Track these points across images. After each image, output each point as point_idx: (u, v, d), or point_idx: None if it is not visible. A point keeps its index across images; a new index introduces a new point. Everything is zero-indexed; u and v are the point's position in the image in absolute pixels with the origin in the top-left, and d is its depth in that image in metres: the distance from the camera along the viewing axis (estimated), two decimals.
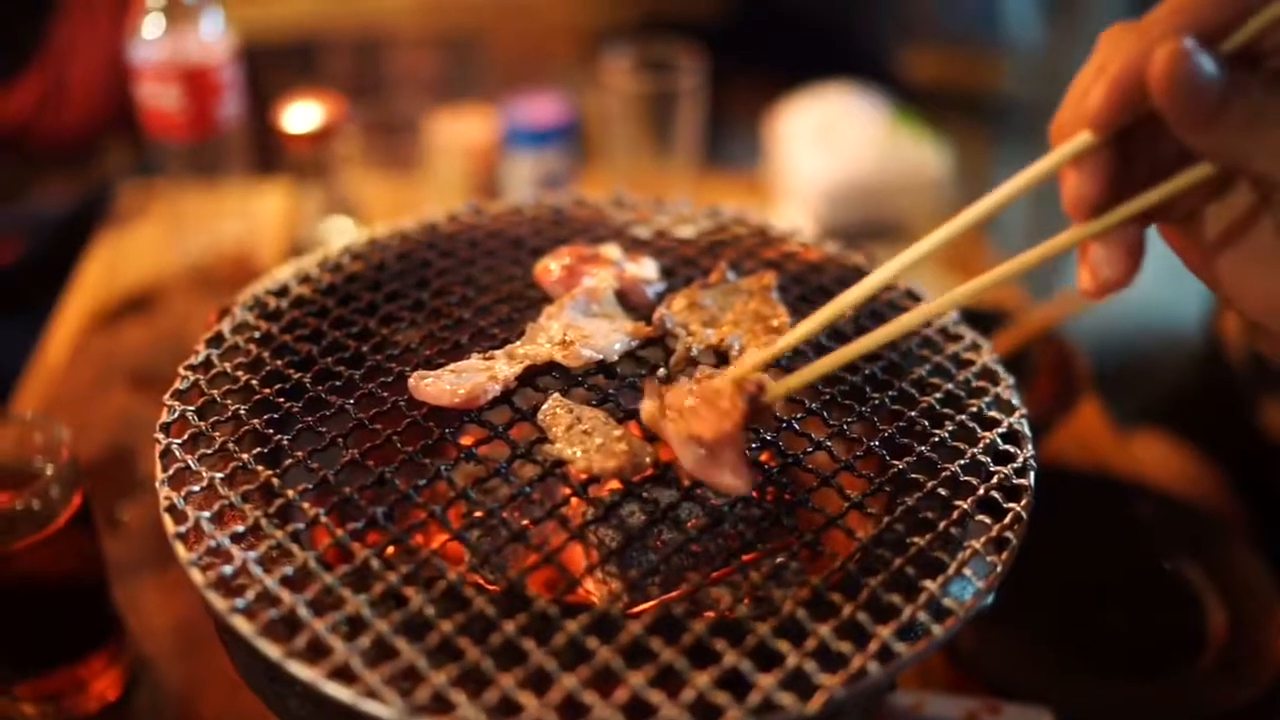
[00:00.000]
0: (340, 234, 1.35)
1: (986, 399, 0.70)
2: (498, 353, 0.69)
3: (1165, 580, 1.01)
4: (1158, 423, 1.37)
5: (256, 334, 0.74)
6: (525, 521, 0.61)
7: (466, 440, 0.66)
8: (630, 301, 0.75)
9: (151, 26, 1.26)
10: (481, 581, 0.63)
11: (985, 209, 0.56)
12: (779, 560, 0.59)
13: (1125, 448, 1.24)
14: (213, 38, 1.29)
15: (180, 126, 1.31)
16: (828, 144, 1.58)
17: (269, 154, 1.54)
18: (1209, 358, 1.34)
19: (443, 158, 1.52)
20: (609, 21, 2.56)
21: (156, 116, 1.32)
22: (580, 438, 0.63)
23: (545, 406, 0.65)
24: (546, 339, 0.70)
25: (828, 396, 0.70)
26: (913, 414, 0.68)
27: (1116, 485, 1.10)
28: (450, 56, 2.85)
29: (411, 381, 0.67)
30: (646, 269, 0.78)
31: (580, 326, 0.70)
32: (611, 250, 0.78)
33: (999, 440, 0.66)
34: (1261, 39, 0.49)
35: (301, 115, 1.36)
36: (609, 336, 0.69)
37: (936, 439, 0.66)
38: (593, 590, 0.65)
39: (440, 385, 0.65)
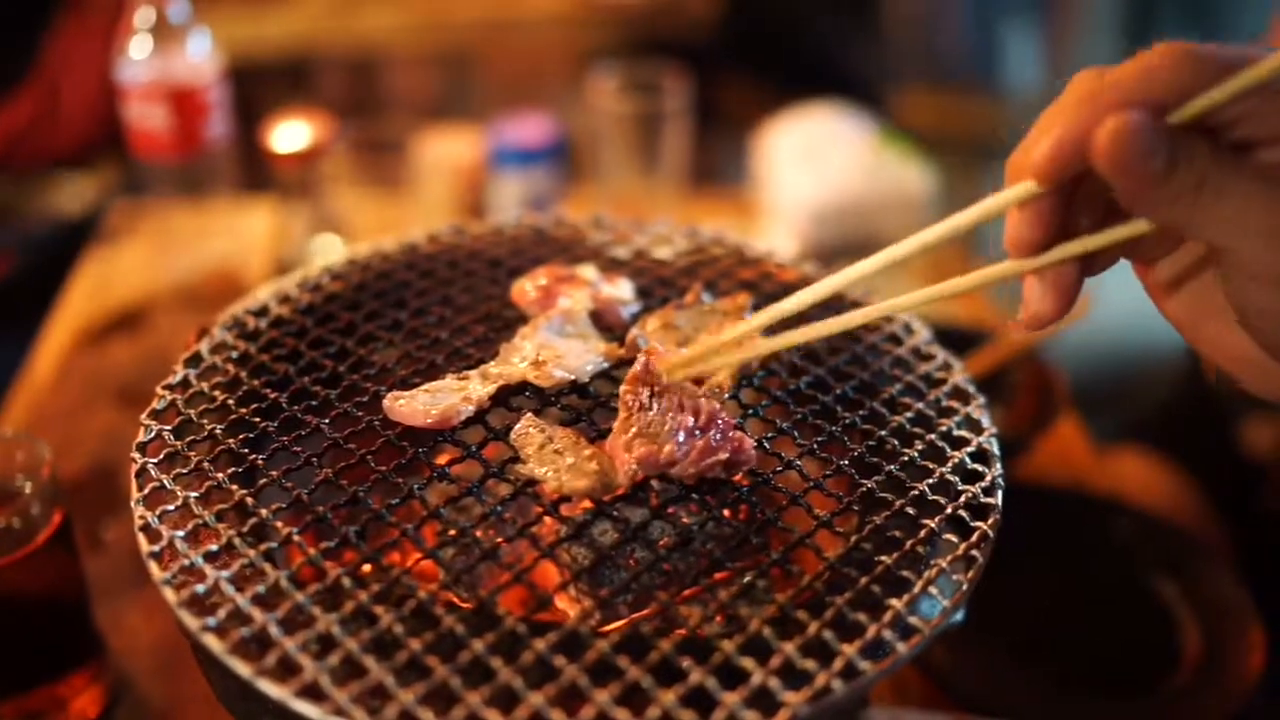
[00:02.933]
0: (327, 253, 1.35)
1: (956, 418, 0.70)
2: (472, 373, 0.70)
3: (1142, 598, 1.02)
4: (1139, 440, 1.38)
5: (234, 354, 0.75)
6: (498, 540, 0.62)
7: (440, 459, 0.67)
8: (605, 322, 0.76)
9: (139, 47, 1.28)
10: (454, 599, 0.63)
11: (934, 236, 0.58)
12: (748, 579, 0.60)
13: (1105, 466, 1.25)
14: (200, 58, 1.31)
15: (167, 146, 1.33)
16: (813, 164, 1.59)
17: (258, 171, 1.55)
18: (1190, 376, 1.35)
19: (430, 177, 1.53)
20: (600, 42, 2.57)
21: (144, 136, 1.33)
22: (552, 457, 0.63)
23: (518, 426, 0.66)
24: (520, 359, 0.70)
25: (799, 416, 0.70)
26: (883, 433, 0.69)
27: (1095, 503, 1.10)
28: (443, 75, 2.87)
29: (386, 402, 0.67)
30: (622, 290, 0.78)
31: (554, 346, 0.71)
32: (588, 271, 0.79)
33: (968, 459, 0.67)
34: (1221, 111, 0.49)
35: (289, 134, 1.37)
36: (582, 357, 0.70)
37: (906, 458, 0.67)
38: (564, 608, 0.66)
39: (414, 405, 0.66)
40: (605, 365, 0.71)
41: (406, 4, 2.58)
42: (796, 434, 0.69)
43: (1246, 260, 0.50)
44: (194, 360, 0.74)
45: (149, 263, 1.50)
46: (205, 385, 0.71)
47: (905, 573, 0.59)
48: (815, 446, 0.68)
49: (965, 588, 0.59)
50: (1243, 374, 0.56)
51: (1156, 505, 1.22)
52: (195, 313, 1.39)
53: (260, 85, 2.54)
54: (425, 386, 0.69)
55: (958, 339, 1.11)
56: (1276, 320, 0.51)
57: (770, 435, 0.68)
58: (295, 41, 2.56)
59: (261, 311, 0.79)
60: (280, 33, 2.54)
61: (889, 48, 2.59)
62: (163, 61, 1.28)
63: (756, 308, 0.78)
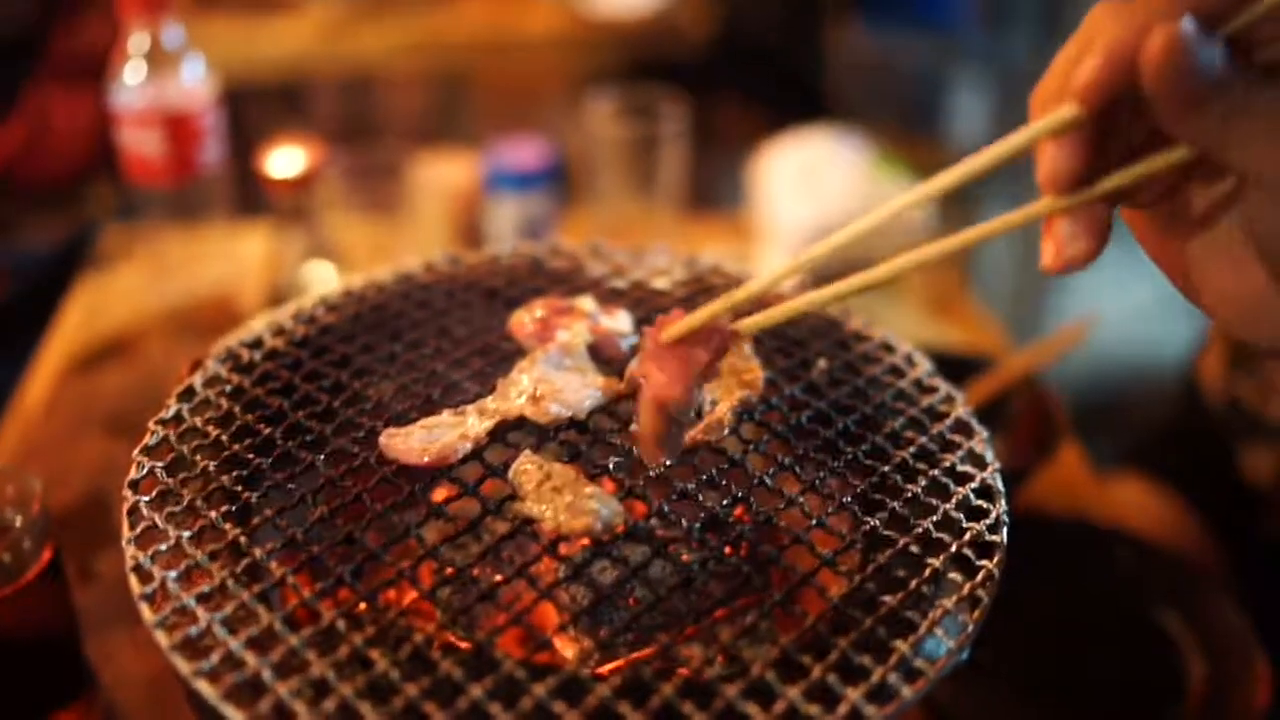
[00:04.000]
0: (321, 279, 1.35)
1: (960, 453, 0.69)
2: (469, 408, 0.69)
3: (1145, 629, 1.01)
4: (1138, 465, 1.37)
5: (228, 387, 0.74)
6: (497, 578, 0.61)
7: (437, 496, 0.66)
8: (604, 355, 0.75)
9: (132, 72, 1.27)
10: (452, 639, 0.63)
11: (950, 179, 0.55)
12: (750, 619, 0.59)
13: (1105, 493, 1.24)
14: (194, 83, 1.30)
15: (161, 171, 1.32)
16: (809, 188, 1.59)
17: (252, 195, 1.55)
18: (1188, 403, 1.34)
19: (425, 201, 1.52)
20: (596, 64, 2.57)
21: (137, 161, 1.32)
22: (550, 495, 0.62)
23: (516, 463, 0.65)
24: (518, 393, 0.69)
25: (801, 451, 0.70)
26: (886, 469, 0.68)
27: (1096, 532, 1.09)
28: (438, 97, 2.86)
29: (382, 439, 0.66)
30: (620, 322, 0.78)
31: (552, 381, 0.70)
32: (586, 303, 0.78)
33: (972, 495, 0.66)
34: (1256, 29, 0.49)
35: (284, 160, 1.36)
36: (580, 392, 0.69)
37: (909, 495, 0.66)
38: (564, 648, 0.65)
39: (410, 443, 0.65)
40: (603, 400, 0.70)
41: (401, 25, 2.58)
42: (798, 470, 0.68)
43: (1273, 182, 0.48)
44: (187, 394, 0.73)
45: (142, 288, 1.49)
46: (198, 420, 0.70)
47: (910, 614, 0.58)
48: (817, 483, 0.67)
49: (971, 629, 0.58)
50: (1242, 318, 0.54)
51: (1157, 533, 1.22)
52: (188, 339, 1.38)
53: (255, 107, 2.54)
54: (421, 423, 0.68)
55: (957, 366, 1.11)
56: None
57: (772, 471, 0.67)
58: (290, 63, 2.56)
59: (256, 343, 0.78)
60: (275, 55, 2.54)
61: (833, 82, 2.59)
62: (156, 87, 1.27)
63: (756, 341, 0.78)
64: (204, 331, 1.35)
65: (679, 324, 0.61)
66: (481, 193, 1.53)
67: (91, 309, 1.49)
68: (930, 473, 0.68)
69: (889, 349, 0.80)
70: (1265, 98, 0.47)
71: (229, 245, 1.48)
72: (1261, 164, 0.48)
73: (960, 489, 0.66)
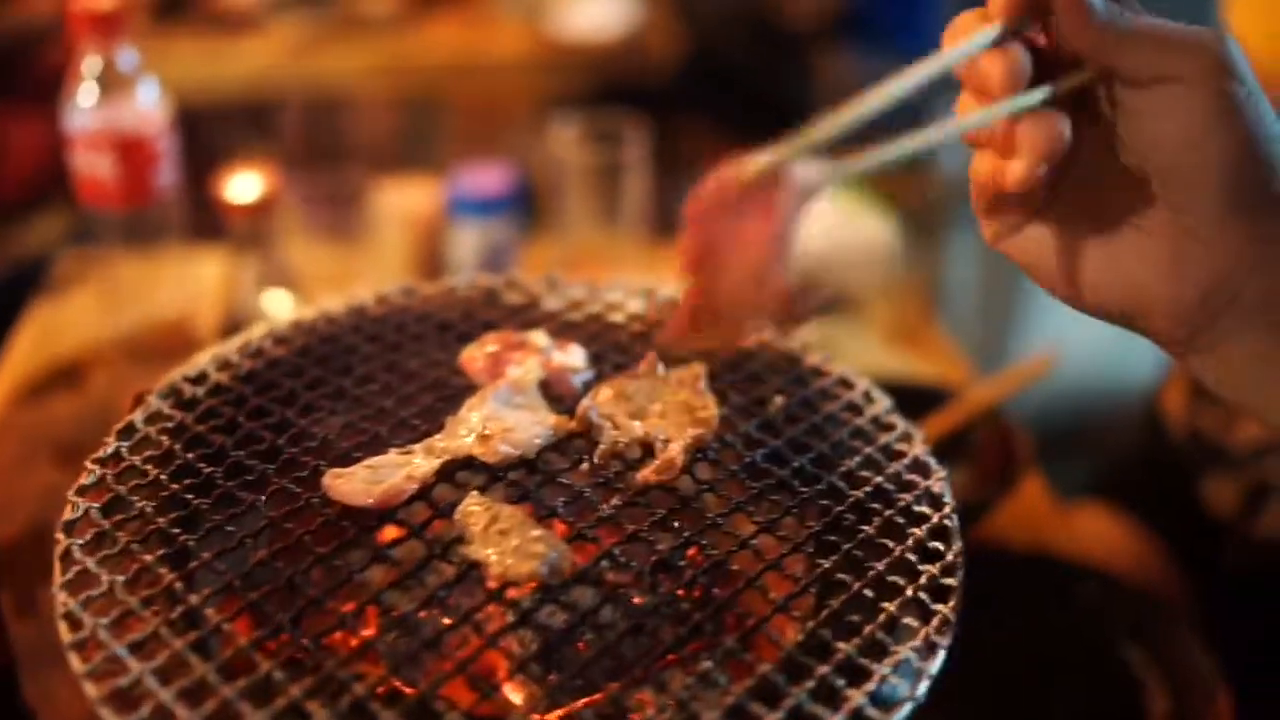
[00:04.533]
0: (275, 309, 1.32)
1: (916, 492, 0.68)
2: (416, 447, 0.68)
3: (1108, 664, 1.00)
4: (1102, 494, 1.37)
5: (169, 424, 0.72)
6: (445, 621, 0.59)
7: (382, 537, 0.64)
8: (556, 391, 0.74)
9: (86, 95, 1.25)
10: (395, 685, 0.61)
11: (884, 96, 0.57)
12: (703, 667, 0.57)
13: (1068, 526, 1.23)
14: (149, 106, 1.28)
15: (114, 195, 1.29)
16: None
17: (212, 217, 1.52)
18: (1151, 433, 1.34)
19: (385, 228, 1.51)
20: (563, 86, 2.56)
21: (90, 185, 1.30)
22: (496, 538, 0.61)
23: (462, 505, 0.64)
24: (467, 431, 0.68)
25: (755, 491, 0.68)
26: (840, 509, 0.67)
27: (1058, 566, 1.09)
28: (406, 120, 2.85)
29: (325, 480, 0.65)
30: (573, 357, 0.76)
31: (502, 419, 0.68)
32: (539, 337, 0.77)
33: (927, 537, 0.65)
34: None
35: (241, 185, 1.34)
36: (530, 430, 0.68)
37: (864, 536, 0.65)
38: (511, 694, 0.63)
39: (354, 484, 0.63)
40: (554, 439, 0.69)
41: (367, 46, 2.56)
42: (752, 510, 0.67)
43: (1176, 74, 0.51)
44: (127, 431, 0.71)
45: (95, 314, 1.46)
46: (137, 459, 0.68)
47: (864, 660, 0.57)
48: (771, 524, 0.66)
49: (927, 675, 0.57)
50: (1169, 283, 0.54)
51: (1121, 564, 1.21)
52: (142, 366, 1.35)
53: (219, 128, 2.52)
54: (367, 462, 0.66)
55: (920, 398, 1.10)
56: (1194, 173, 0.52)
57: (725, 512, 0.66)
58: (255, 84, 2.53)
59: (200, 379, 0.76)
60: (239, 74, 2.51)
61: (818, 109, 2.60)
62: (110, 110, 1.25)
63: (712, 377, 0.76)
64: (158, 358, 1.32)
65: (752, 164, 0.57)
66: (443, 219, 1.52)
67: (43, 334, 1.46)
68: (885, 513, 0.66)
69: (847, 384, 0.79)
70: (1150, 17, 0.52)
71: (185, 270, 1.45)
72: (1157, 63, 0.51)
73: (916, 530, 0.65)
